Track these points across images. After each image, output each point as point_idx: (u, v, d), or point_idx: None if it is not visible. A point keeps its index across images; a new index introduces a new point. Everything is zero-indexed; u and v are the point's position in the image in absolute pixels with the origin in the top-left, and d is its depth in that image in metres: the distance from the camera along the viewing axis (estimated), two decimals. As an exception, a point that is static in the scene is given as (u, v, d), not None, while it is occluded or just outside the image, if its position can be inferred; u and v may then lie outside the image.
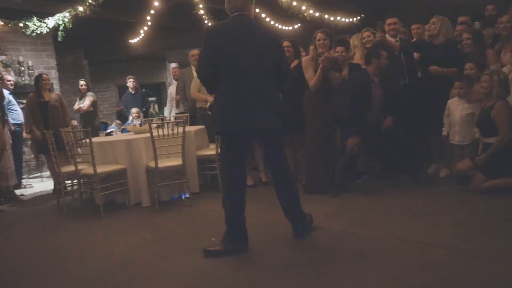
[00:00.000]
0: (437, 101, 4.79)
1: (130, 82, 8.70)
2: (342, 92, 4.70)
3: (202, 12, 7.82)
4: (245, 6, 3.14)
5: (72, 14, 7.16)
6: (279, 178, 3.30)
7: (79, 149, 5.14)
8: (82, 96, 7.87)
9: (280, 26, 10.25)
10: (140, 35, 9.51)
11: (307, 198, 4.52)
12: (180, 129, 4.58)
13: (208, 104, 5.73)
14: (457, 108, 4.54)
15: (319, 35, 4.79)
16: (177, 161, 4.65)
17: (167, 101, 7.69)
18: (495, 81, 4.06)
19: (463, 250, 2.90)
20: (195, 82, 5.94)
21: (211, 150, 5.27)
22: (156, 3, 7.38)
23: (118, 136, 6.05)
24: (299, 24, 10.80)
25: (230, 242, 3.20)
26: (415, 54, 5.25)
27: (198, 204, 4.72)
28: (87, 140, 4.53)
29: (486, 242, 3.00)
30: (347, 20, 11.02)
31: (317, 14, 9.37)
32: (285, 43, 4.95)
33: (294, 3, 8.10)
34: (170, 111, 7.53)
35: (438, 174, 4.99)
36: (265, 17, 9.15)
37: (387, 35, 5.27)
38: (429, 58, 4.93)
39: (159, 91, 13.70)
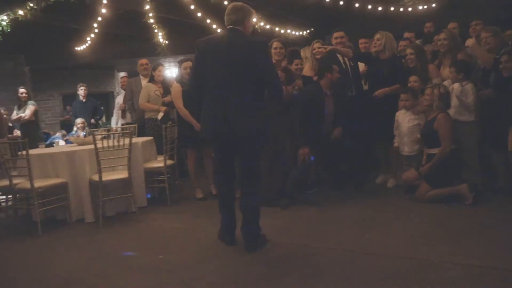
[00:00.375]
0: (384, 113, 4.92)
1: (81, 90, 8.26)
2: (295, 104, 4.72)
3: (152, 21, 7.63)
4: (239, 21, 3.30)
5: (11, 17, 6.73)
6: (246, 186, 3.39)
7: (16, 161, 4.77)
8: (21, 105, 7.38)
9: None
10: (87, 42, 9.14)
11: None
12: (127, 141, 4.38)
13: (160, 114, 5.57)
14: (404, 120, 4.68)
15: (275, 44, 4.82)
16: (122, 174, 4.44)
17: (114, 111, 7.38)
18: (436, 94, 4.22)
19: (412, 260, 2.94)
20: (144, 92, 5.76)
21: (159, 162, 5.09)
22: (103, 10, 7.11)
23: (59, 147, 5.71)
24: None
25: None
26: (363, 67, 5.39)
27: (145, 219, 4.51)
28: (24, 152, 4.21)
29: (433, 250, 3.07)
30: (297, 33, 11.23)
31: (268, 27, 9.46)
32: (276, 44, 4.88)
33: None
34: (117, 122, 7.24)
35: (385, 184, 5.11)
36: (216, 28, 9.11)
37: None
38: (376, 72, 5.08)
39: (107, 100, 13.23)
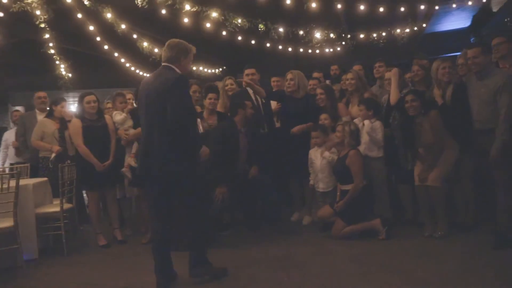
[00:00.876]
0: (297, 150, 4.91)
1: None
2: (208, 141, 4.50)
3: (52, 51, 7.03)
4: (174, 59, 3.23)
5: None
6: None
7: None
8: None
9: (142, 73, 9.90)
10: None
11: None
12: (12, 183, 3.78)
13: (53, 155, 4.99)
14: (317, 157, 4.69)
15: (193, 87, 4.91)
16: (7, 222, 3.79)
17: (1, 149, 6.49)
18: (347, 131, 4.31)
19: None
20: (38, 129, 5.16)
21: (55, 207, 4.49)
22: (-5, 37, 6.41)
23: None
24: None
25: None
26: (275, 105, 5.39)
27: (36, 274, 3.87)
28: None
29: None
30: (209, 70, 11.24)
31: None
32: (194, 87, 5.02)
33: (156, 50, 7.88)
34: (4, 161, 6.35)
35: (301, 222, 5.02)
36: (126, 63, 8.73)
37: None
38: (290, 110, 5.10)
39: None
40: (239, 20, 6.17)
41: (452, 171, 4.10)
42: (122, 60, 8.30)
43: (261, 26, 6.60)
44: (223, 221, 4.98)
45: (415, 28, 8.96)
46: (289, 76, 5.14)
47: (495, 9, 10.29)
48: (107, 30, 6.87)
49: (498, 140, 3.64)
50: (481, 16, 10.80)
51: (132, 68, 9.06)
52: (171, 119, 3.06)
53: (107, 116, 4.91)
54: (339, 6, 6.40)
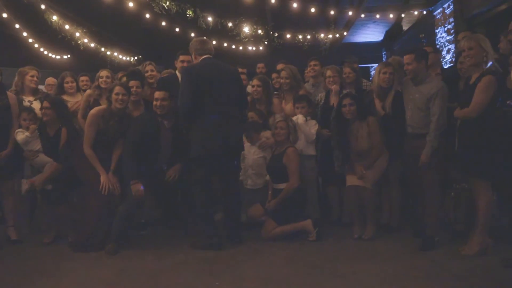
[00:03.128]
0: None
1: None
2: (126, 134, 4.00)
3: None
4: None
5: None
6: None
7: None
8: None
9: (47, 53, 8.84)
10: None
11: (77, 257, 3.57)
12: None
13: None
14: (249, 152, 4.43)
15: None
16: None
17: None
18: (291, 127, 4.12)
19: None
20: None
21: None
22: None
23: None
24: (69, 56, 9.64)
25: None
26: None
27: None
28: None
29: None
30: (124, 57, 10.47)
31: (92, 45, 8.47)
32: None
33: (67, 27, 7.02)
34: None
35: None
36: (28, 38, 7.66)
37: (178, 73, 4.84)
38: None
39: None
40: (167, 3, 5.69)
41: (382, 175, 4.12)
42: (24, 34, 7.25)
43: (189, 12, 6.18)
44: (141, 220, 4.49)
45: (337, 35, 9.25)
46: None
47: (405, 28, 11.09)
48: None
49: (427, 146, 3.71)
50: (393, 32, 11.59)
51: (36, 45, 7.98)
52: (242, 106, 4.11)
53: (10, 95, 4.15)
54: (272, 0, 6.23)
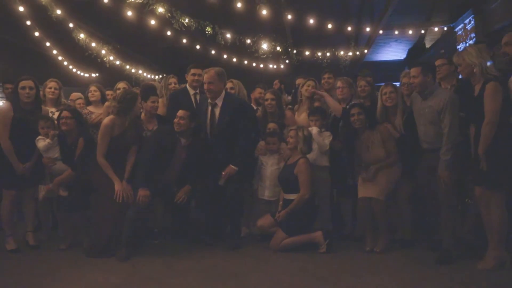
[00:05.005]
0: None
1: None
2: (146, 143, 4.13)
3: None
4: None
5: None
6: None
7: None
8: None
9: (75, 70, 9.21)
10: None
11: (89, 263, 3.64)
12: None
13: None
14: (268, 163, 4.43)
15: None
16: None
17: None
18: (300, 137, 4.13)
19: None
20: None
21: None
22: None
23: None
24: (97, 74, 10.00)
25: None
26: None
27: None
28: None
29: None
30: (148, 75, 10.79)
31: (117, 63, 8.78)
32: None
33: (93, 44, 7.32)
34: None
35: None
36: (58, 56, 8.03)
37: (188, 86, 4.95)
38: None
39: None
40: (186, 20, 5.87)
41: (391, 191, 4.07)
42: (54, 52, 7.60)
43: (208, 28, 6.35)
44: (154, 230, 4.55)
45: (357, 53, 9.26)
46: (229, 85, 4.84)
47: (428, 45, 11.01)
48: (40, 15, 6.20)
49: (441, 161, 3.65)
50: (416, 50, 11.52)
51: (65, 63, 8.34)
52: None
53: (43, 108, 4.35)
54: (289, 16, 6.34)
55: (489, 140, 3.28)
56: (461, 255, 3.60)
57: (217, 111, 4.28)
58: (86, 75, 9.94)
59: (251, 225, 4.60)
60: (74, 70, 9.03)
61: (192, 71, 4.83)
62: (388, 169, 4.01)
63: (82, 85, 9.10)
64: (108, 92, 5.58)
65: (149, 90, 4.79)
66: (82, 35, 6.87)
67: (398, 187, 4.08)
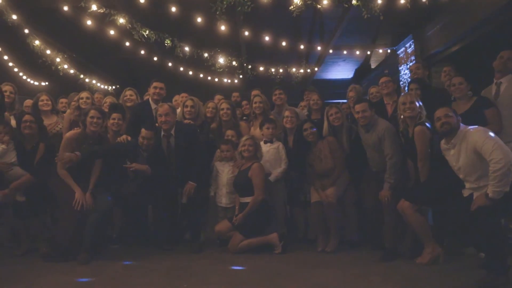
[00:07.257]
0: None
1: None
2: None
3: None
4: None
5: None
6: None
7: None
8: None
9: (26, 78, 8.97)
10: None
11: (48, 267, 3.67)
12: None
13: None
14: (223, 171, 4.65)
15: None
16: None
17: None
18: (258, 144, 4.43)
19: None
20: None
21: None
22: None
23: None
24: (47, 83, 9.78)
25: None
26: None
27: None
28: None
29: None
30: (102, 86, 10.69)
31: (72, 71, 8.68)
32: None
33: (48, 52, 7.23)
34: None
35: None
36: (9, 62, 7.81)
37: (150, 100, 5.06)
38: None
39: None
40: (147, 31, 6.02)
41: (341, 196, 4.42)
42: (5, 57, 7.41)
43: (168, 41, 6.52)
44: (113, 235, 4.60)
45: (308, 70, 9.77)
46: (189, 103, 4.93)
47: (373, 66, 11.78)
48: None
49: (386, 184, 4.06)
50: (362, 70, 12.27)
51: (16, 70, 8.11)
52: None
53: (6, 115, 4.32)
54: (246, 33, 6.66)
55: (426, 172, 3.76)
56: (402, 254, 3.99)
57: (172, 140, 4.50)
58: (36, 83, 9.69)
59: (209, 230, 4.76)
60: (24, 77, 8.79)
61: (154, 84, 4.98)
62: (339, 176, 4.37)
63: (30, 93, 8.89)
64: (62, 100, 5.55)
65: (112, 108, 4.77)
66: (37, 42, 6.79)
67: (345, 193, 4.43)
